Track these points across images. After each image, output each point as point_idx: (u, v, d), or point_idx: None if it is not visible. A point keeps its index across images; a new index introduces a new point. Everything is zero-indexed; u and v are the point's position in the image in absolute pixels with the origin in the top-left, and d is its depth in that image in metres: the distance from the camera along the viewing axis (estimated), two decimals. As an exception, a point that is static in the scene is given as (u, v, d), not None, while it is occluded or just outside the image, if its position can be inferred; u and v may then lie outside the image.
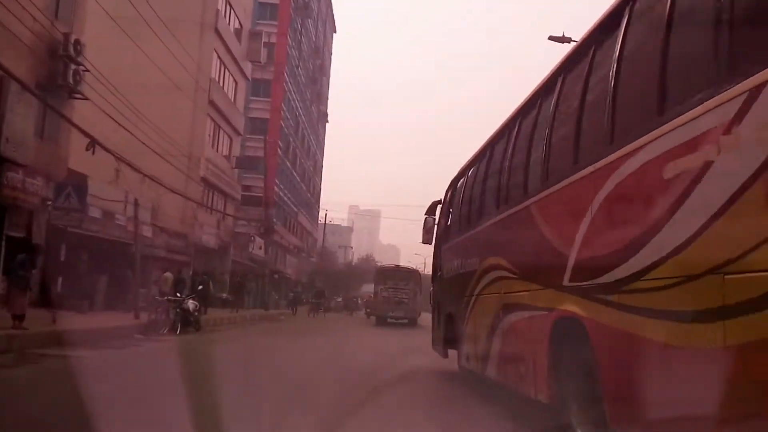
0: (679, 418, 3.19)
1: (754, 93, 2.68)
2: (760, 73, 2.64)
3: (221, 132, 31.57)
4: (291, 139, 51.27)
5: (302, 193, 58.24)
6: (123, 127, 18.39)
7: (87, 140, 15.01)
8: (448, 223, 10.36)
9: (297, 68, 52.13)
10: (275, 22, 46.67)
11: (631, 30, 4.04)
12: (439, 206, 11.02)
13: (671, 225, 3.28)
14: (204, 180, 28.37)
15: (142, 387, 7.40)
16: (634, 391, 3.63)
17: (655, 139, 3.47)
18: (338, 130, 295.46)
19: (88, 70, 17.14)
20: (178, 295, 17.84)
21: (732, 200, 2.78)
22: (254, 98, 45.17)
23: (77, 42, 16.82)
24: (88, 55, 17.64)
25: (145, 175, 19.34)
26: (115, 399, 6.02)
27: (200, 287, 19.93)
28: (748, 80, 2.72)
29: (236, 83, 32.86)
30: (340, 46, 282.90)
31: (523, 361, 5.87)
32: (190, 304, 17.28)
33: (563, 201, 4.97)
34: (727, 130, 2.86)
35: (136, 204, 17.13)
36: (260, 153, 35.53)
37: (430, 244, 11.34)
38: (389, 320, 28.85)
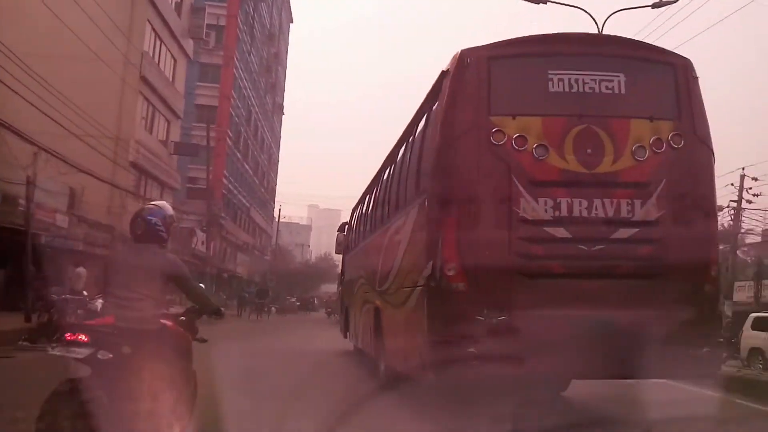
0: (405, 353, 6.83)
1: (410, 215, 6.88)
2: (414, 203, 6.68)
3: (157, 114, 28.45)
4: (242, 129, 48.24)
5: (255, 187, 55.16)
6: (19, 95, 15.47)
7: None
8: (348, 240, 14.22)
9: (249, 54, 49.12)
10: (224, 4, 43.68)
11: (385, 182, 9.45)
12: (346, 226, 14.96)
13: (394, 264, 7.50)
14: (134, 165, 25.24)
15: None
16: (390, 342, 7.80)
17: (387, 227, 8.46)
18: (299, 126, 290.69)
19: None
20: (85, 293, 14.98)
21: (401, 260, 7.15)
22: (201, 84, 42.16)
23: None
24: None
25: (49, 152, 16.42)
26: None
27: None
28: (407, 208, 7.05)
29: (175, 61, 29.74)
30: (303, 41, 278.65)
31: (366, 334, 9.91)
32: (99, 304, 14.41)
33: (377, 243, 9.16)
34: (401, 231, 7.28)
35: (28, 183, 14.13)
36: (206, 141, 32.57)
37: (341, 254, 15.39)
38: None
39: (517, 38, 6.16)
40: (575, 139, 5.68)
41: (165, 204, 4.61)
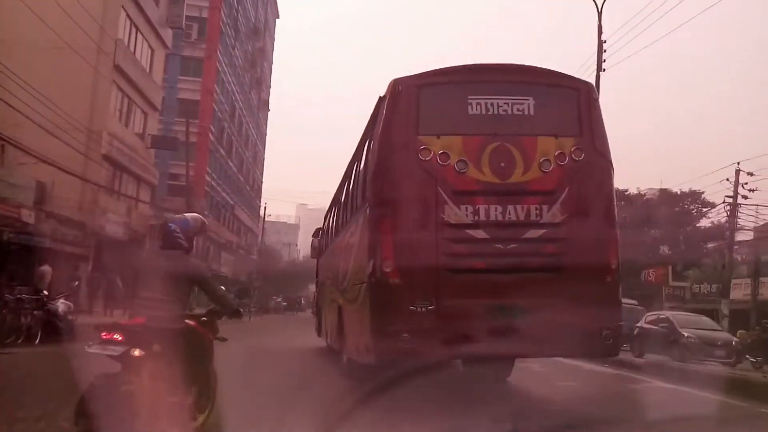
0: (357, 343, 7.65)
1: (358, 221, 7.90)
2: (361, 210, 7.69)
3: (134, 106, 27.20)
4: (226, 125, 47.00)
5: (240, 184, 53.95)
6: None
7: None
8: (321, 245, 15.32)
9: (233, 48, 47.91)
10: (207, -5, 42.42)
11: (345, 198, 10.21)
12: (320, 231, 15.89)
13: (350, 264, 8.41)
14: (108, 159, 23.99)
15: None
16: (348, 334, 8.56)
17: (345, 231, 9.46)
18: (287, 122, 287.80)
19: None
20: (45, 292, 13.86)
21: (353, 261, 8.16)
22: (183, 77, 40.94)
23: None
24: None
25: (10, 143, 15.28)
26: None
27: (76, 283, 15.81)
28: (357, 214, 8.06)
29: (152, 51, 28.49)
30: (290, 36, 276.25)
31: (332, 331, 10.79)
32: (60, 304, 13.31)
33: (338, 247, 10.31)
34: (353, 234, 8.30)
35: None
36: (190, 136, 31.33)
37: (315, 258, 16.62)
38: None
39: (442, 68, 7.08)
40: (491, 155, 6.62)
41: (196, 216, 5.08)
